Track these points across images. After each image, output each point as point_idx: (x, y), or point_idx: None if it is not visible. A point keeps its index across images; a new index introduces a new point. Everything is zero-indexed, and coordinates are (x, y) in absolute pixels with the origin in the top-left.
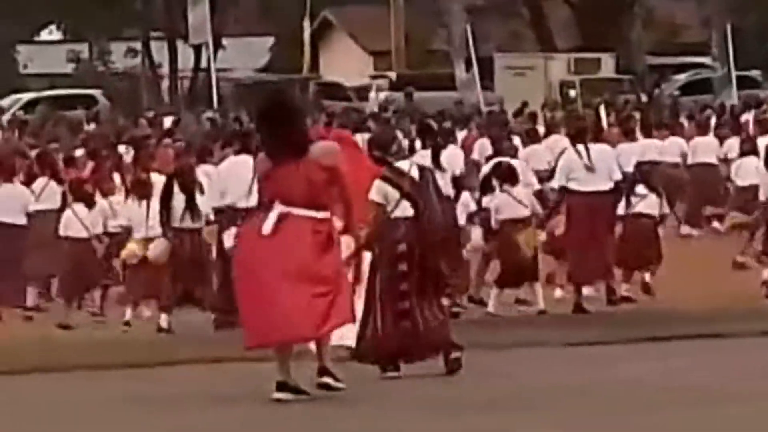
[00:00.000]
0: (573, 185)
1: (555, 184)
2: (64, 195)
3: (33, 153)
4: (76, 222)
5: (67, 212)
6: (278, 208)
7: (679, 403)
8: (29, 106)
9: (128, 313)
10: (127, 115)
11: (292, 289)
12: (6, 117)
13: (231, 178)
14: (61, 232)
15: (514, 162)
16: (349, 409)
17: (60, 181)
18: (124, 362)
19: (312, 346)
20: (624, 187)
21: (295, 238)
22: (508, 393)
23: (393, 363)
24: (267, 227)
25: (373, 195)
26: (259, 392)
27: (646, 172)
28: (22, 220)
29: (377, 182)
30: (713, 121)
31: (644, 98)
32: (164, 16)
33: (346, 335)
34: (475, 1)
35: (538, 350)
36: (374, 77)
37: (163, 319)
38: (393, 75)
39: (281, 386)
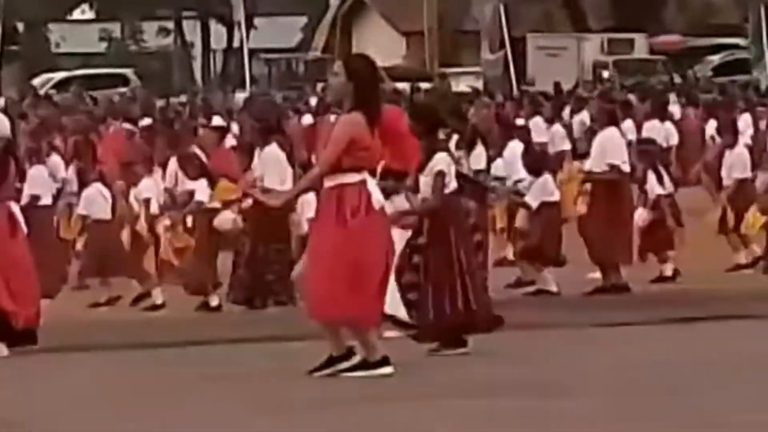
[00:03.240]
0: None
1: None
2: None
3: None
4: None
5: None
6: (367, 177)
7: (712, 384)
8: (61, 85)
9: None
10: (159, 95)
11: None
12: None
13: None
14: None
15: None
16: (372, 388)
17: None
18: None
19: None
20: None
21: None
22: (537, 374)
23: (459, 339)
24: (379, 199)
25: (440, 165)
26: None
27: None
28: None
29: (441, 154)
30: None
31: (677, 79)
32: None
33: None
34: None
35: (570, 331)
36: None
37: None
38: None
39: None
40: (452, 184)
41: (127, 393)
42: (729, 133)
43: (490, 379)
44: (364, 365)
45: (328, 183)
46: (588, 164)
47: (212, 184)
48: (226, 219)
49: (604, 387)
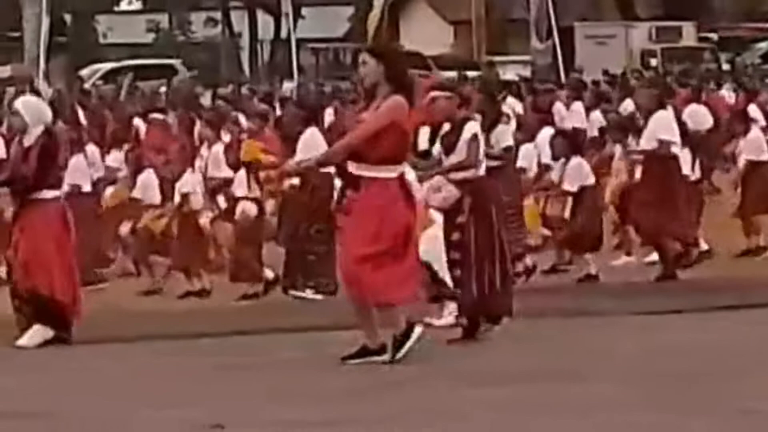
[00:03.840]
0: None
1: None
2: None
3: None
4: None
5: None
6: (406, 169)
7: (735, 371)
8: (109, 76)
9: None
10: (207, 85)
11: None
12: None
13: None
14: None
15: None
16: (403, 376)
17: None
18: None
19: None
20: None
21: None
22: (563, 361)
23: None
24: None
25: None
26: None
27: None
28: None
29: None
30: None
31: (725, 66)
32: None
33: None
34: None
35: (599, 319)
36: None
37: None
38: None
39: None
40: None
41: (160, 383)
42: (740, 119)
43: (518, 366)
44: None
45: (370, 173)
46: (641, 144)
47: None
48: (250, 207)
49: (628, 374)
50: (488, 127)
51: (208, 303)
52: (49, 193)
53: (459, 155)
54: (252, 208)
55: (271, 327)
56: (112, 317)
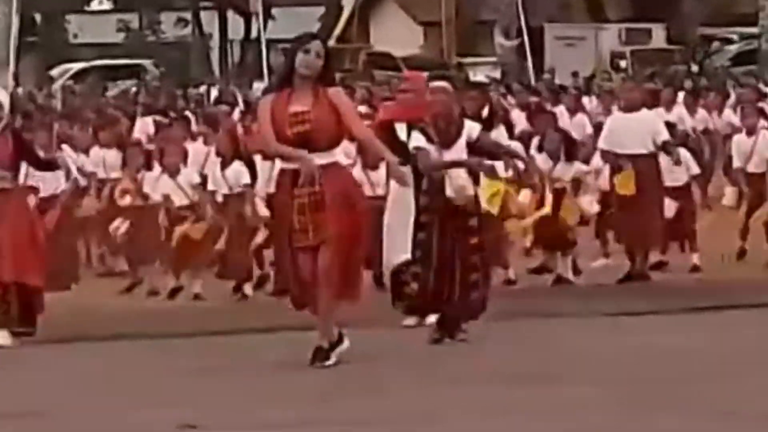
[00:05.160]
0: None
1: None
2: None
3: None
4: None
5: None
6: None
7: (724, 373)
8: (79, 75)
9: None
10: (177, 85)
11: None
12: (56, 86)
13: None
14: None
15: None
16: (380, 378)
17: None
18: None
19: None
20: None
21: None
22: (548, 362)
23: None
24: None
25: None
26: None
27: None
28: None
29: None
30: None
31: (695, 69)
32: None
33: None
34: None
35: (583, 320)
36: None
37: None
38: None
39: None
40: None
41: (142, 382)
42: None
43: (501, 368)
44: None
45: (343, 160)
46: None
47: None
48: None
49: (616, 375)
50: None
51: (198, 302)
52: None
53: (458, 153)
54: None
55: (252, 327)
56: (90, 316)
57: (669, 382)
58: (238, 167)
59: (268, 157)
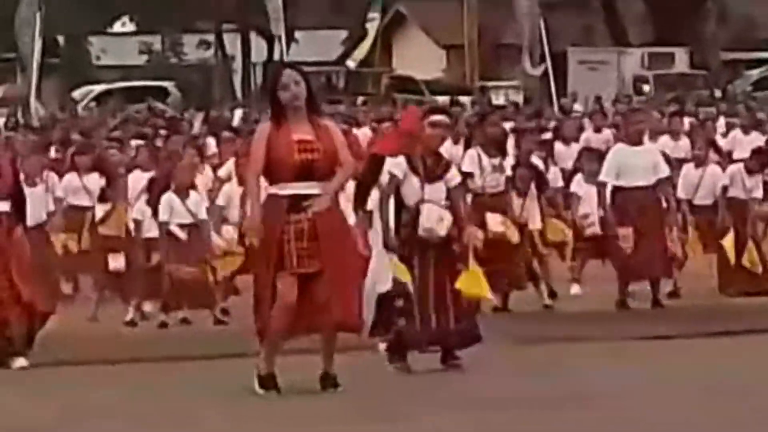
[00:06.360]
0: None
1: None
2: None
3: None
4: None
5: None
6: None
7: (725, 399)
8: (101, 97)
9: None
10: (199, 108)
11: None
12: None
13: None
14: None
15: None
16: (361, 404)
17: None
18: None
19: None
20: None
21: None
22: (554, 386)
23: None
24: None
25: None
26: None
27: None
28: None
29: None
30: None
31: (718, 93)
32: (237, 7)
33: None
34: None
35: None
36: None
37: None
38: None
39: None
40: None
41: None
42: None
43: (505, 392)
44: None
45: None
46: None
47: None
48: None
49: (620, 400)
50: None
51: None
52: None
53: (439, 192)
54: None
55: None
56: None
57: (670, 407)
58: (196, 198)
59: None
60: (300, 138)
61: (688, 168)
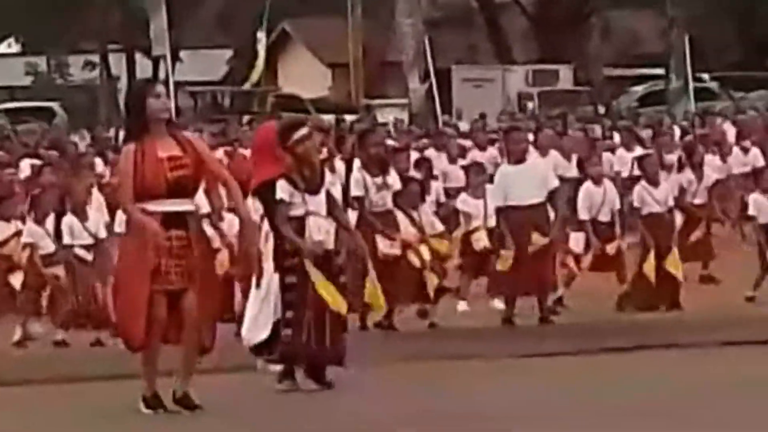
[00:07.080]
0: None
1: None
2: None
3: None
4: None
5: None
6: None
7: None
8: None
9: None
10: (85, 128)
11: None
12: None
13: None
14: None
15: None
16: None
17: None
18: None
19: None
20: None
21: None
22: (463, 405)
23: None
24: None
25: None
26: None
27: None
28: None
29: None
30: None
31: (602, 110)
32: (122, 28)
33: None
34: (432, 13)
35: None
36: None
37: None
38: None
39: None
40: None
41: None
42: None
43: (389, 411)
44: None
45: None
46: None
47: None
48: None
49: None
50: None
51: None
52: None
53: (322, 201)
54: None
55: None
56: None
57: (578, 424)
58: (96, 217)
59: None
60: (169, 155)
61: (587, 186)
